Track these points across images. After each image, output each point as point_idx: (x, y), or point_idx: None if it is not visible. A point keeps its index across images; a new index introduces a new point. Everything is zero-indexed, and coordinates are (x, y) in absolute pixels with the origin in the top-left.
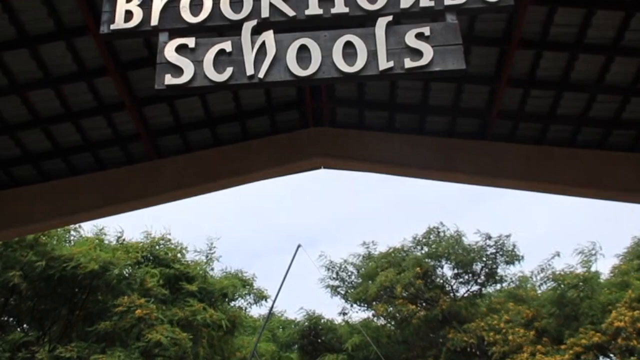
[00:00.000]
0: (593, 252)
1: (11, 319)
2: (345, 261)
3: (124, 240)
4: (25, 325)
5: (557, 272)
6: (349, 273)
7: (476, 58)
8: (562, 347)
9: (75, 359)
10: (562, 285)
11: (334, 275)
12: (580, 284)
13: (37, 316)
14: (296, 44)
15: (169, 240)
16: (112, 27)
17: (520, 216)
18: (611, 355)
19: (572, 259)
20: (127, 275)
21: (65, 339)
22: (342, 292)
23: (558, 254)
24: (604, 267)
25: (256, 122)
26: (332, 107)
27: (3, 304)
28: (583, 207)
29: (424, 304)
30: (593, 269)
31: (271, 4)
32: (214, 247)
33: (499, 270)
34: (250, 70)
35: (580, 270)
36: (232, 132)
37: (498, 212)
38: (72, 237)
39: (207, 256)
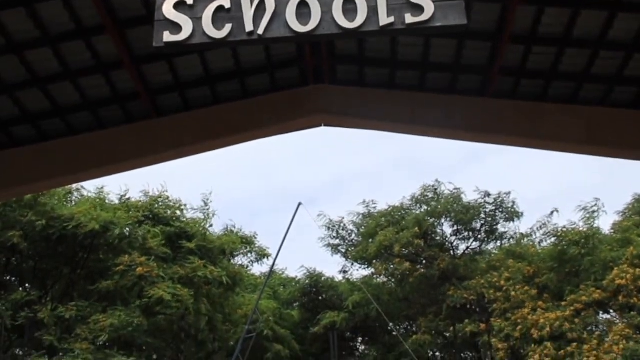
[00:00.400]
0: (595, 208)
1: (13, 278)
2: (343, 219)
3: (128, 199)
4: (27, 285)
5: (559, 229)
6: (349, 232)
7: (477, 14)
8: (563, 303)
9: (76, 318)
10: (564, 242)
11: (334, 234)
12: (582, 240)
13: (39, 275)
14: (296, 0)
15: (167, 197)
16: None
17: (520, 174)
18: (611, 311)
19: (574, 216)
20: (127, 234)
21: (67, 298)
22: (343, 251)
23: (556, 210)
24: (604, 224)
25: (256, 80)
26: (332, 64)
27: (5, 263)
28: (584, 165)
29: (423, 262)
30: (594, 225)
31: None
32: (210, 201)
33: (498, 227)
34: (249, 27)
35: (582, 226)
36: (231, 90)
37: (498, 170)
38: (73, 197)
39: (204, 213)
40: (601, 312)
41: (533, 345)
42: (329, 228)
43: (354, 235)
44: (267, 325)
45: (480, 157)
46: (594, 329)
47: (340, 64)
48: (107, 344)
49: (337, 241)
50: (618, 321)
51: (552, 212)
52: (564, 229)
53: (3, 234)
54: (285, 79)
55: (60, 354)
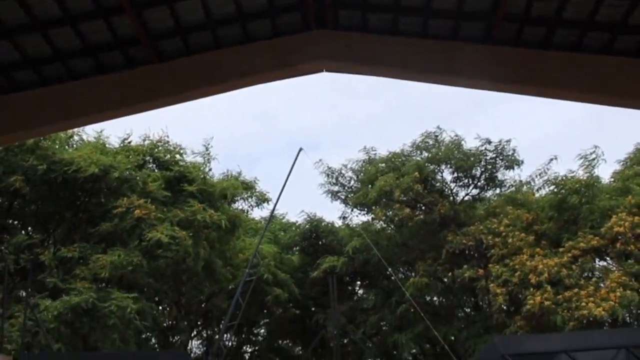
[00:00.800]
0: (594, 156)
1: (16, 222)
2: (343, 167)
3: (130, 142)
4: (29, 228)
5: (559, 177)
6: (348, 178)
7: None
8: (561, 249)
9: (77, 258)
10: (563, 190)
11: (334, 181)
12: (582, 189)
13: (41, 219)
14: None
15: (167, 142)
16: None
17: (521, 123)
18: (608, 259)
19: (574, 164)
20: (127, 178)
21: (69, 240)
22: (342, 197)
23: (555, 158)
24: (605, 173)
25: (257, 25)
26: (334, 9)
27: (7, 207)
28: (586, 114)
29: (422, 208)
30: (594, 174)
31: None
32: (210, 146)
33: (498, 175)
34: None
35: (581, 174)
36: (233, 35)
37: (500, 118)
38: (74, 142)
39: (204, 157)
40: (598, 260)
41: (531, 290)
42: (328, 175)
43: (352, 182)
44: (268, 269)
45: (482, 104)
46: (590, 275)
47: (342, 9)
48: (109, 285)
49: (336, 188)
50: (614, 268)
51: (551, 160)
52: (564, 177)
53: (5, 178)
54: (287, 24)
55: (63, 295)
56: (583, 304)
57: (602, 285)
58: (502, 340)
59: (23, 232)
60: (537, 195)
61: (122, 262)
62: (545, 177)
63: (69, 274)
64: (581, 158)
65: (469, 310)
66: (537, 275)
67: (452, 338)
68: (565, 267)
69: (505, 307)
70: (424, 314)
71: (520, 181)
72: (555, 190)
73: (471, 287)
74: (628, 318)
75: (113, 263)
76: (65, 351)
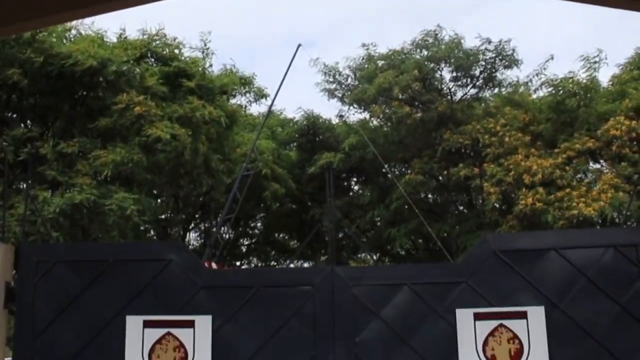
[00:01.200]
0: (597, 59)
1: (14, 115)
2: (338, 64)
3: (126, 37)
4: (28, 122)
5: (557, 79)
6: (346, 76)
7: None
8: (556, 150)
9: (77, 153)
10: (561, 92)
11: (331, 79)
12: (581, 92)
13: (39, 112)
14: None
15: (165, 35)
16: None
17: (522, 23)
18: (602, 161)
19: (574, 66)
20: (125, 71)
21: (67, 134)
22: (339, 95)
23: (552, 57)
24: (604, 76)
25: None
26: None
27: (5, 100)
28: (589, 15)
29: (420, 106)
30: (594, 76)
31: None
32: (209, 41)
33: (497, 75)
34: None
35: (583, 76)
36: None
37: (500, 17)
38: (71, 36)
39: (203, 52)
40: (592, 162)
41: (524, 190)
42: (325, 73)
43: (350, 80)
44: (266, 164)
45: (483, 4)
46: (583, 177)
47: None
48: (108, 180)
49: (333, 86)
50: (608, 171)
51: (547, 59)
52: (563, 79)
53: (2, 71)
54: None
55: (61, 189)
56: (574, 204)
57: (594, 187)
58: (493, 237)
59: (22, 125)
60: (534, 96)
61: (124, 159)
62: (544, 78)
63: (69, 167)
64: (583, 59)
65: (462, 208)
66: (531, 176)
67: (445, 234)
68: (559, 168)
69: (498, 206)
70: (418, 210)
71: (518, 82)
72: (554, 92)
73: (466, 185)
74: (617, 219)
75: (114, 161)
76: (64, 242)
